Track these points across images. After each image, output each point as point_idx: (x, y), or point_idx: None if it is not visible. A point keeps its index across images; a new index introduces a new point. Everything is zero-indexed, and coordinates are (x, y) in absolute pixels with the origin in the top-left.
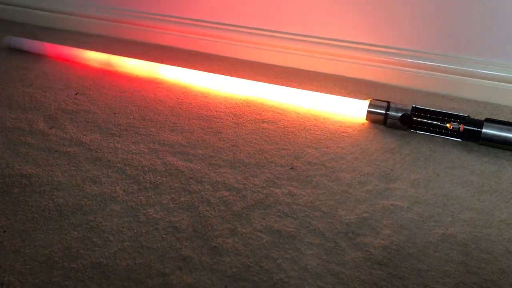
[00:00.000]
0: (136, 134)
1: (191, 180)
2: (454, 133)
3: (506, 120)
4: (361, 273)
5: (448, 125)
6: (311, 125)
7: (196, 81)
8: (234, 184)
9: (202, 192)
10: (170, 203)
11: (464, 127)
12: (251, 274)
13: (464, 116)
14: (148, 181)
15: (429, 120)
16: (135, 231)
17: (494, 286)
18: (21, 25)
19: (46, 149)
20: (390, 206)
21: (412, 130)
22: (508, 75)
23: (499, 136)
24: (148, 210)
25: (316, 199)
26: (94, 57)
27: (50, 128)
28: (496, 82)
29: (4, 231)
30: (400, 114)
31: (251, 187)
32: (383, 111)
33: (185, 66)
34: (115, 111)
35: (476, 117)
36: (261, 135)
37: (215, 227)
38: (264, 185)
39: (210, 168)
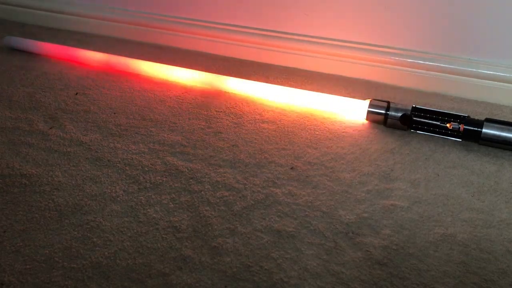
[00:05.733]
0: (136, 134)
1: (191, 180)
2: (454, 133)
3: (506, 120)
4: (361, 273)
5: (448, 125)
6: (311, 125)
7: (196, 81)
8: (234, 184)
9: (202, 192)
10: (170, 203)
11: (464, 127)
12: (251, 274)
13: (464, 116)
14: (148, 181)
15: (429, 120)
16: (135, 231)
17: (494, 286)
18: (21, 25)
19: (46, 149)
20: (390, 206)
21: (412, 130)
22: (508, 75)
23: (499, 136)
24: (148, 210)
25: (316, 199)
26: (94, 57)
27: (50, 128)
28: (496, 82)
29: (4, 231)
30: (400, 114)
31: (251, 187)
32: (383, 111)
33: (185, 66)
34: (115, 111)
35: (476, 117)
36: (261, 135)
37: (215, 227)
38: (264, 185)
39: (210, 168)
